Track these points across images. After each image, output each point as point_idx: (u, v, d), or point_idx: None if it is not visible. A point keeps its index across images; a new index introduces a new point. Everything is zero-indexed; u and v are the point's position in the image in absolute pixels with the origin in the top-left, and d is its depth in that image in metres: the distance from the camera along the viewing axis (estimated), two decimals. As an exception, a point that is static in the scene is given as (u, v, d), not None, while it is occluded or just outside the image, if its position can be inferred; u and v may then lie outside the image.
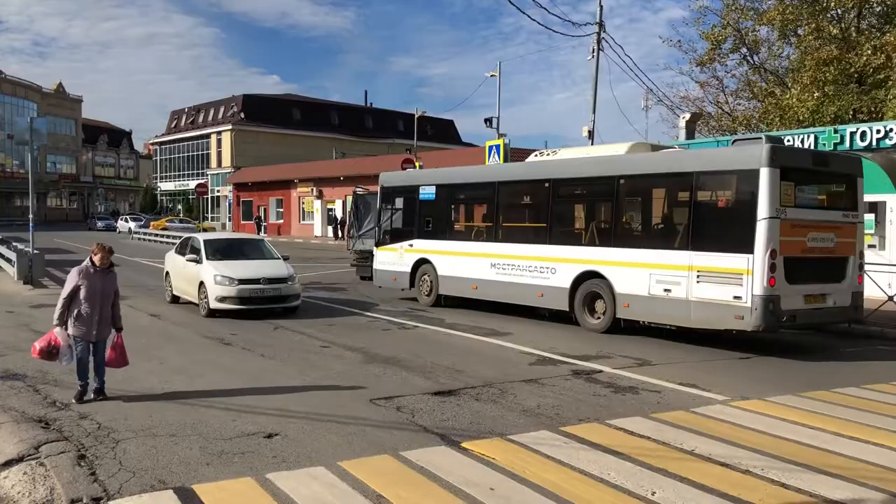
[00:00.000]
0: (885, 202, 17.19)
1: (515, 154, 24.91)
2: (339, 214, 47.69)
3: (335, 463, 5.80)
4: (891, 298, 13.55)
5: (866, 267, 13.67)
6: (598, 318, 12.84)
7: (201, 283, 14.22)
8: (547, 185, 13.98)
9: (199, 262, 14.56)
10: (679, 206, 12.12)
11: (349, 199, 29.45)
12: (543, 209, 14.20)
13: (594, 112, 25.07)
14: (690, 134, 25.55)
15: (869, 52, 21.20)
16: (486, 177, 16.21)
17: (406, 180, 18.14)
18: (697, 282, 11.15)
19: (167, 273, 16.52)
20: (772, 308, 10.46)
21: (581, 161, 14.18)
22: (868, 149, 17.93)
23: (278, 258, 15.31)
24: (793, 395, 8.34)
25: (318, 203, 52.19)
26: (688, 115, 26.22)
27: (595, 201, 13.78)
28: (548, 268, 13.56)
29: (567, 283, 13.18)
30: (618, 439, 6.52)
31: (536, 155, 15.44)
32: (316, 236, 50.36)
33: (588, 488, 5.33)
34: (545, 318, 14.21)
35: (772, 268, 10.41)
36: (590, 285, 12.89)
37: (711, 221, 11.50)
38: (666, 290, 11.56)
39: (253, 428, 6.78)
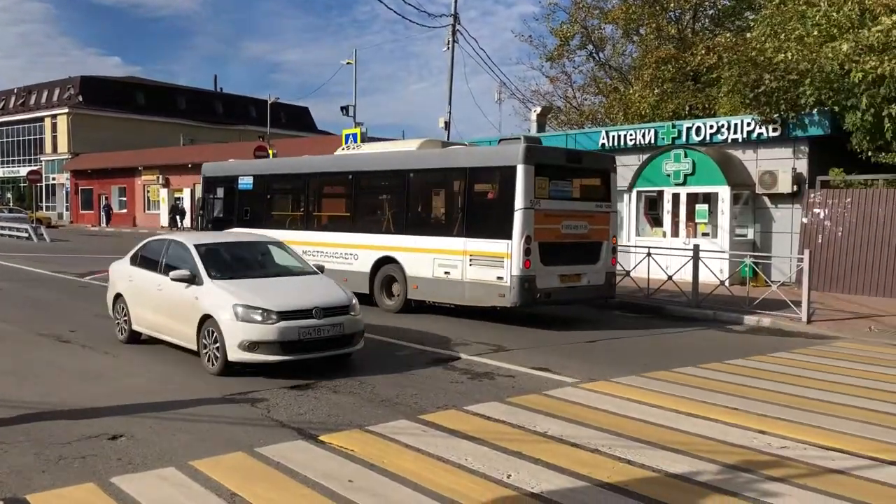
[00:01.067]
0: (717, 193, 18.49)
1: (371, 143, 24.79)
2: (186, 203, 45.82)
3: (186, 463, 5.55)
4: (722, 283, 14.55)
5: (702, 254, 14.69)
6: (394, 299, 13.87)
7: (206, 319, 8.76)
8: (350, 177, 15.13)
9: (194, 282, 9.08)
10: (456, 197, 13.32)
11: (198, 187, 28.32)
12: (348, 200, 15.35)
13: (450, 103, 25.39)
14: (541, 127, 26.41)
15: (703, 52, 22.64)
16: (298, 168, 16.84)
17: (227, 171, 18.18)
18: (470, 265, 12.49)
19: (117, 296, 10.72)
20: (527, 287, 11.85)
21: (379, 156, 15.28)
22: (702, 143, 19.20)
23: (316, 272, 10.05)
24: (636, 375, 8.80)
25: (164, 192, 49.88)
26: (538, 109, 27.10)
27: (391, 193, 14.73)
28: (352, 254, 14.55)
29: (367, 268, 14.21)
30: (475, 425, 6.63)
31: (344, 148, 16.26)
32: (162, 226, 48.10)
33: (446, 475, 5.39)
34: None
35: (526, 252, 11.78)
36: (387, 270, 13.97)
37: (481, 212, 12.75)
38: (446, 272, 12.84)
39: (95, 430, 6.36)
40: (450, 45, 24.88)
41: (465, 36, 32.46)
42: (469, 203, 12.89)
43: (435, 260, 13.00)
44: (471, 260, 12.47)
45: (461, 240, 12.66)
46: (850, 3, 12.65)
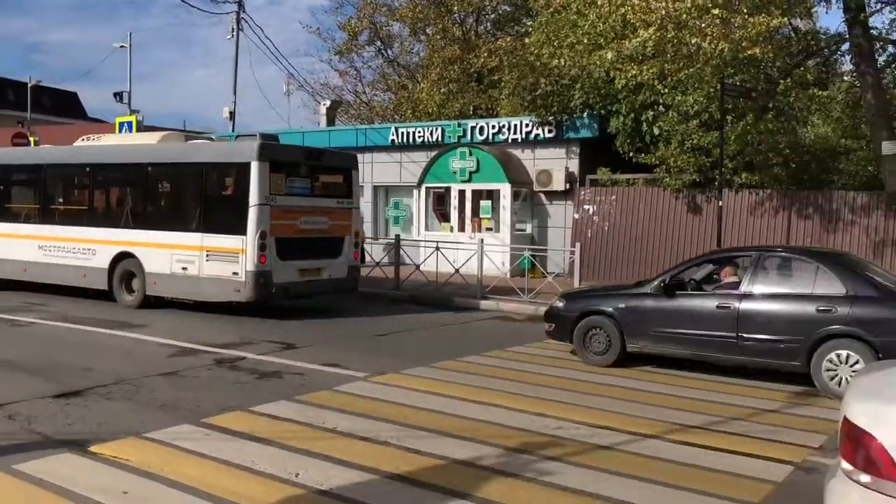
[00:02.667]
0: (499, 190, 19.38)
1: (149, 132, 23.34)
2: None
3: (-74, 489, 4.90)
4: (505, 274, 15.30)
5: (486, 248, 15.32)
6: (134, 295, 13.56)
7: None
8: (88, 169, 14.65)
9: None
10: (194, 192, 13.29)
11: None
12: (85, 193, 14.95)
13: (235, 93, 24.56)
14: (331, 121, 26.26)
15: (485, 54, 23.64)
16: (34, 159, 16.11)
17: None
18: (207, 260, 12.53)
19: None
20: (262, 282, 12.09)
21: (118, 148, 14.88)
22: (486, 142, 20.03)
23: None
24: (425, 366, 9.01)
25: None
26: (328, 103, 26.91)
27: (129, 186, 14.41)
28: (90, 249, 14.04)
29: (106, 264, 13.79)
30: (262, 425, 6.45)
31: (83, 140, 15.55)
32: None
33: (231, 478, 5.19)
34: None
35: (262, 247, 12.01)
36: (125, 265, 13.64)
37: (218, 207, 12.88)
38: (184, 268, 12.77)
39: None
40: (234, 34, 24.02)
41: (250, 24, 31.44)
42: (206, 199, 12.94)
43: (173, 255, 12.89)
44: (207, 255, 12.49)
45: (198, 235, 12.65)
46: (614, 15, 13.71)
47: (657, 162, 17.07)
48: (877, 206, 15.37)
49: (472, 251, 15.53)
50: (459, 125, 20.77)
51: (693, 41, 12.66)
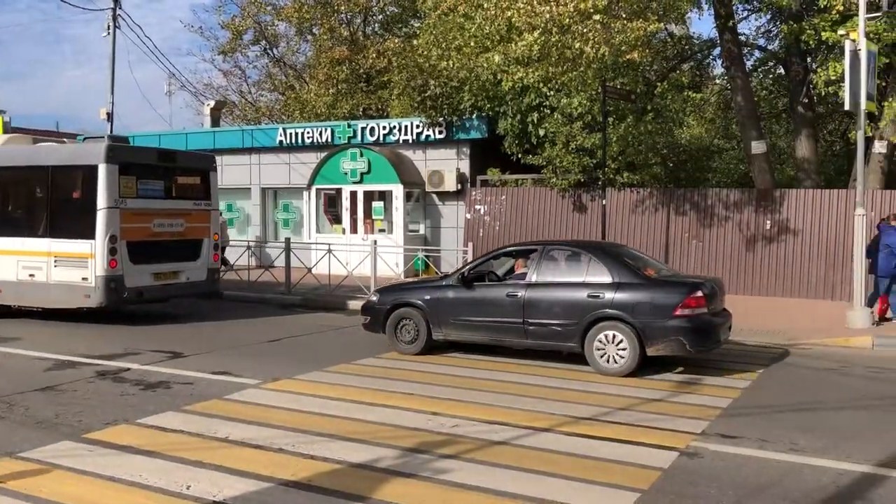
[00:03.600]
0: (391, 191, 19.38)
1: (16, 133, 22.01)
2: None
3: None
4: (399, 276, 15.29)
5: (379, 249, 15.28)
6: None
7: None
8: None
9: None
10: (40, 196, 12.93)
11: None
12: None
13: (112, 93, 23.44)
14: (215, 122, 25.55)
15: (374, 55, 23.58)
16: None
17: None
18: (55, 266, 12.18)
19: None
20: (114, 286, 11.85)
21: None
22: (377, 143, 19.98)
23: None
24: (319, 371, 8.90)
25: None
26: (212, 104, 26.16)
27: None
28: None
29: None
30: (149, 438, 6.20)
31: None
32: None
33: (117, 494, 4.96)
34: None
35: (112, 251, 11.79)
36: None
37: (65, 211, 12.49)
38: (31, 275, 12.39)
39: None
40: (111, 31, 22.98)
41: (128, 22, 30.09)
42: (53, 203, 12.54)
43: (19, 262, 12.42)
44: (55, 261, 12.12)
45: (46, 241, 12.25)
46: (500, 19, 13.94)
47: (544, 162, 17.50)
48: (748, 202, 16.27)
49: (366, 253, 15.46)
50: (349, 126, 20.63)
51: (576, 45, 13.04)
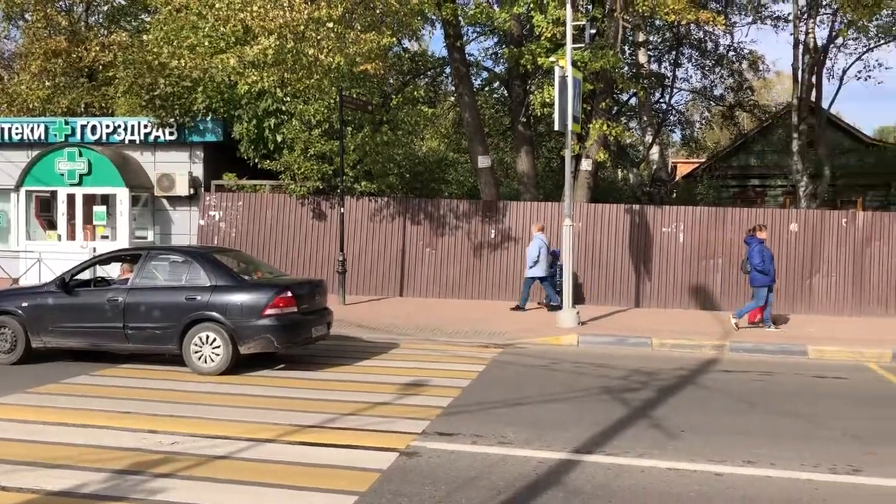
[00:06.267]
0: (115, 195, 18.04)
1: None
2: None
3: None
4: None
5: (82, 257, 14.12)
6: None
7: None
8: None
9: None
10: None
11: None
12: None
13: None
14: None
15: (97, 49, 21.83)
16: None
17: None
18: None
19: None
20: None
21: None
22: (99, 142, 18.50)
23: None
24: (22, 392, 8.05)
25: None
26: None
27: None
28: None
29: None
30: None
31: None
32: None
33: None
34: None
35: None
36: None
37: None
38: None
39: None
40: None
41: None
42: None
43: None
44: None
45: None
46: (233, 20, 13.57)
47: (282, 168, 17.29)
48: (475, 213, 17.31)
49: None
50: (67, 123, 18.89)
51: (310, 52, 13.06)
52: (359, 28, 13.80)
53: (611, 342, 11.92)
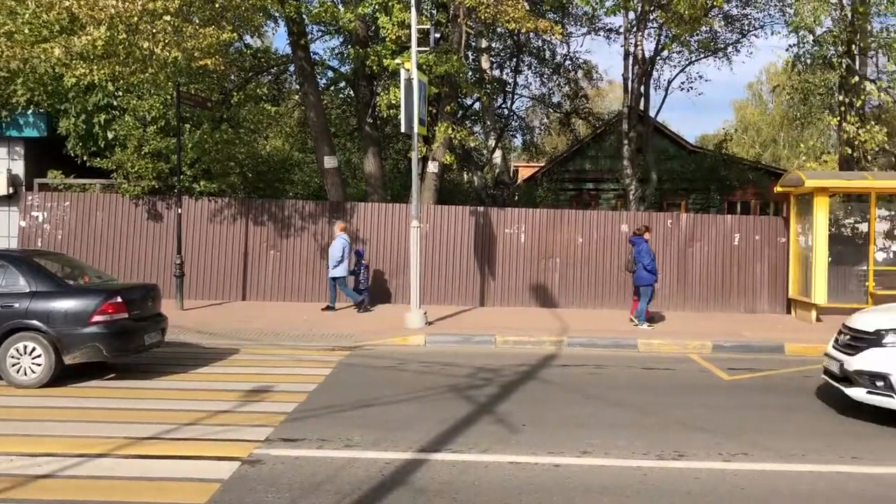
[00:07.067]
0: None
1: None
2: None
3: None
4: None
5: None
6: None
7: None
8: None
9: None
10: None
11: None
12: None
13: None
14: None
15: None
16: None
17: None
18: None
19: None
20: None
21: None
22: None
23: None
24: None
25: None
26: None
27: None
28: None
29: None
30: None
31: None
32: None
33: None
34: None
35: None
36: None
37: None
38: None
39: None
40: None
41: None
42: None
43: None
44: None
45: None
46: (58, 7, 12.67)
47: (114, 167, 16.33)
48: (322, 214, 17.10)
49: None
50: None
51: (145, 45, 12.44)
52: (197, 22, 13.31)
53: (457, 341, 12.15)
